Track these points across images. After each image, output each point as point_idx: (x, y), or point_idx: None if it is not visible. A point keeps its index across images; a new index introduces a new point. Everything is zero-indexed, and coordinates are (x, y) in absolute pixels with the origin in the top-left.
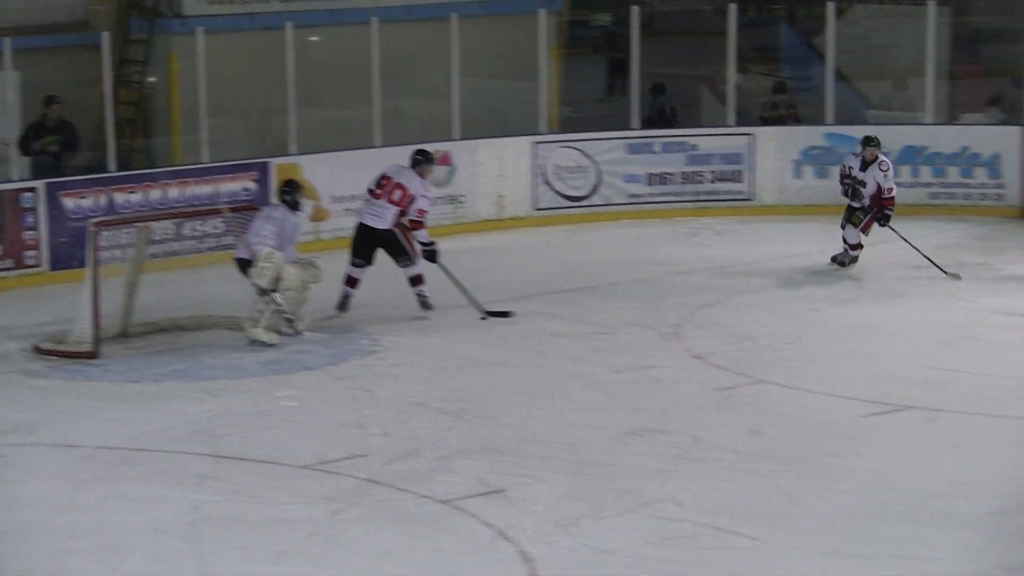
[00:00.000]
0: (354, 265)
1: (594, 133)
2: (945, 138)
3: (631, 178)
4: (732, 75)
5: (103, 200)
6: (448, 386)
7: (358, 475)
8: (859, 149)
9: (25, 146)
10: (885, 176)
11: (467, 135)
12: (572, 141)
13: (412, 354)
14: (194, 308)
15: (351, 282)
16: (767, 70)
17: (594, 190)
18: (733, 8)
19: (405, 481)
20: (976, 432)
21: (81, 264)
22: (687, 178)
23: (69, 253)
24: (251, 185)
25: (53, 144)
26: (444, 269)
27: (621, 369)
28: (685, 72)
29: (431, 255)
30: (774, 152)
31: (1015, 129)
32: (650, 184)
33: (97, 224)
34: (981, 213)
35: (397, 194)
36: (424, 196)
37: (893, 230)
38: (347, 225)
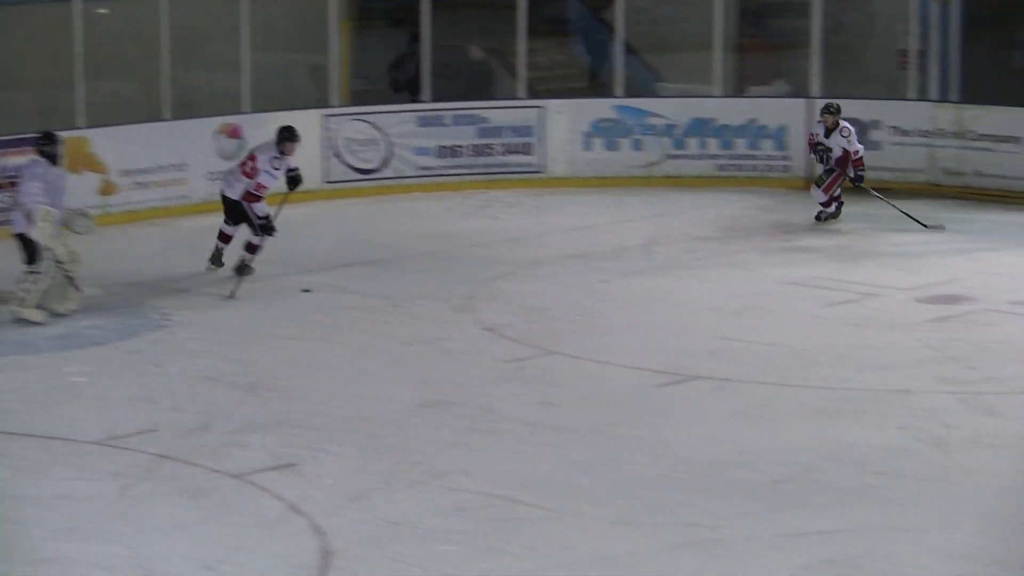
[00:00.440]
0: (226, 223)
1: (385, 106)
2: (733, 110)
3: (422, 151)
4: (522, 48)
5: None
6: (239, 360)
7: (149, 450)
8: (820, 118)
9: None
10: (848, 141)
11: (257, 108)
12: (363, 114)
13: (203, 328)
14: None
15: (223, 238)
16: (557, 43)
17: (385, 163)
18: None
19: (196, 456)
20: (762, 401)
21: None
22: (478, 151)
23: None
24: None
25: None
26: (261, 240)
27: (412, 342)
28: (476, 44)
29: (266, 229)
30: (564, 125)
31: (800, 102)
32: (441, 157)
33: None
34: (768, 184)
35: (249, 166)
36: (267, 172)
37: (868, 190)
38: (137, 199)
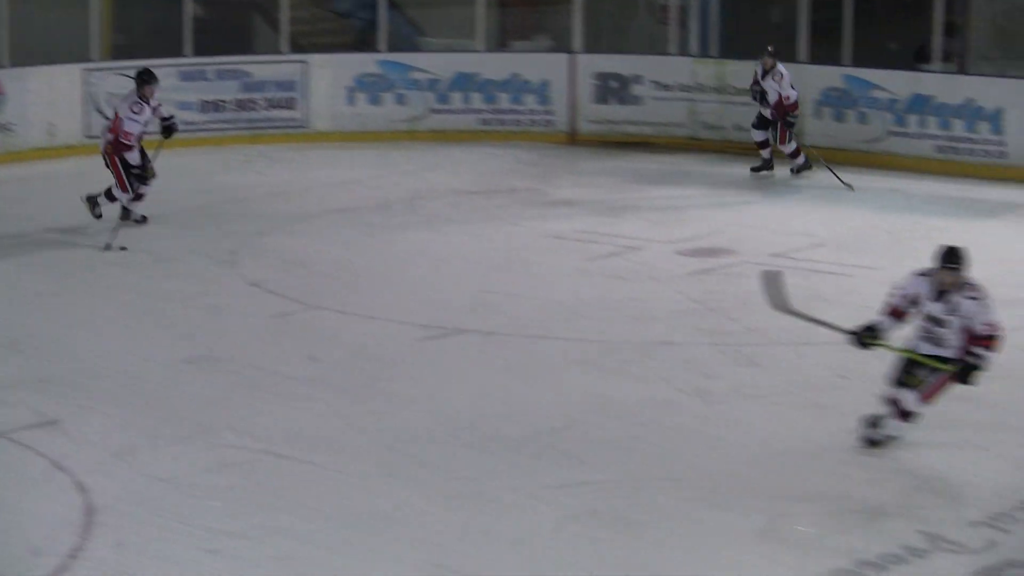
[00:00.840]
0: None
1: (147, 60)
2: (496, 65)
3: (184, 105)
4: (285, 2)
5: None
6: (0, 317)
7: None
8: (759, 61)
9: None
10: (780, 85)
11: (17, 63)
12: (124, 68)
13: None
14: None
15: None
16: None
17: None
18: None
19: None
20: (527, 354)
21: None
22: (241, 105)
23: None
24: None
25: None
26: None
27: (177, 298)
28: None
29: (142, 177)
30: (328, 80)
31: (563, 56)
32: (203, 111)
33: None
34: (531, 139)
35: (114, 118)
36: (129, 118)
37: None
38: None
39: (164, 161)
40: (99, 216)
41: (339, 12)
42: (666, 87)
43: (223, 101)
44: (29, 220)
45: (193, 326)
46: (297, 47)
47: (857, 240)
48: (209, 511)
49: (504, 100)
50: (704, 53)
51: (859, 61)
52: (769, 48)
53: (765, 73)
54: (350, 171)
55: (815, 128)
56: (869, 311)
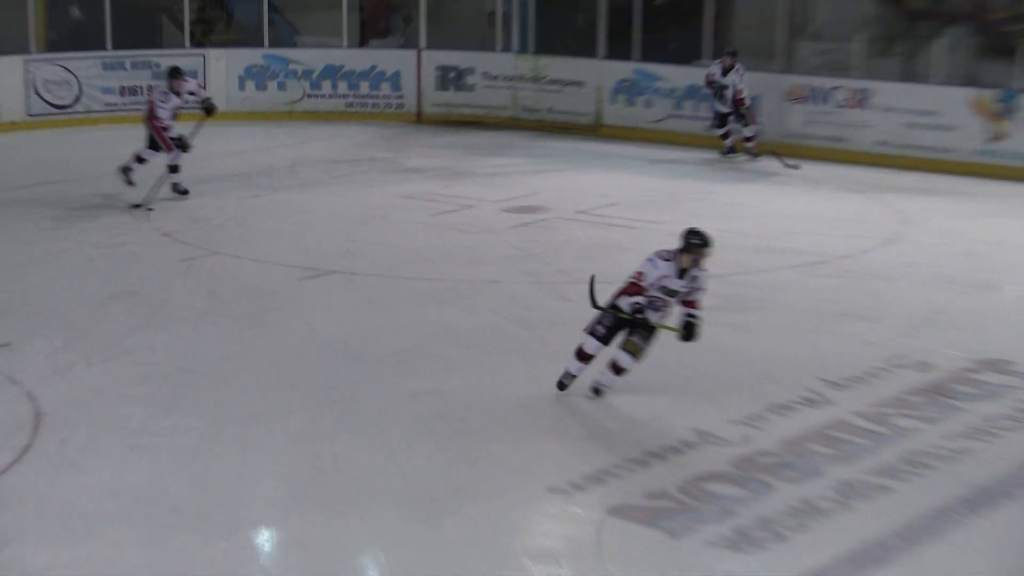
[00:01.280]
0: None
1: (76, 53)
2: (358, 59)
3: (107, 90)
4: (187, 5)
5: None
6: None
7: None
8: (717, 61)
9: None
10: (740, 79)
11: None
12: (58, 59)
13: None
14: None
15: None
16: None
17: (76, 100)
18: None
19: None
20: (385, 290)
21: None
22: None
23: None
24: None
25: None
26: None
27: (102, 245)
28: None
29: (181, 145)
30: (223, 69)
31: (412, 52)
32: (123, 95)
33: None
34: (386, 118)
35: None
36: (159, 105)
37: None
38: None
39: (91, 135)
40: (131, 183)
41: (230, 14)
42: (493, 77)
43: (138, 86)
44: None
45: (116, 268)
46: (197, 43)
47: (644, 200)
48: (133, 415)
49: (365, 87)
50: (523, 50)
51: (646, 57)
52: (728, 50)
53: (725, 71)
54: (240, 143)
55: (611, 111)
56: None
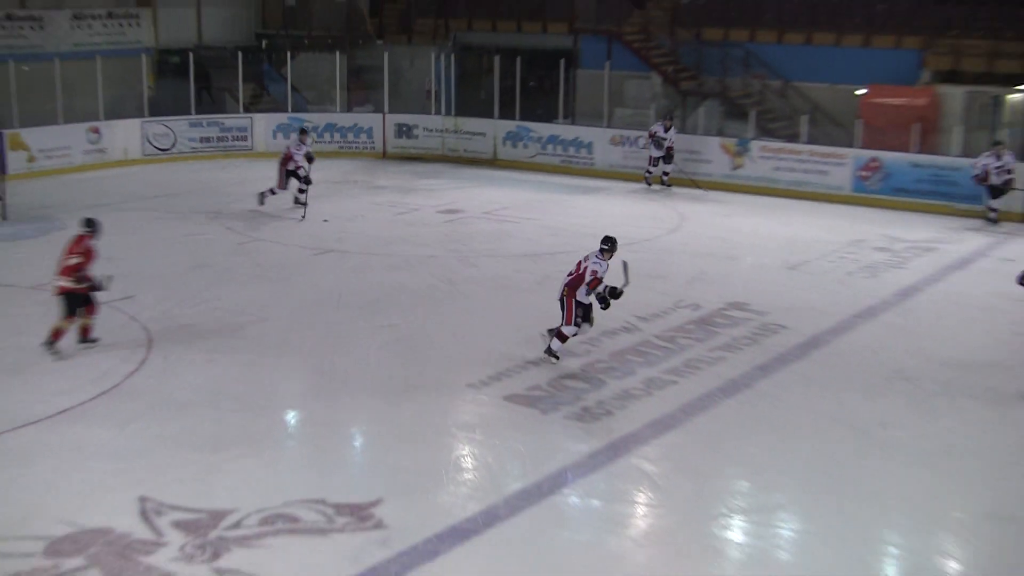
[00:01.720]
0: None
1: (172, 116)
2: (346, 118)
3: (192, 139)
4: (242, 88)
5: None
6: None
7: None
8: (659, 122)
9: None
10: (674, 135)
11: None
12: (161, 120)
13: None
14: None
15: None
16: (256, 87)
17: (173, 145)
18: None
19: None
20: (364, 263)
21: None
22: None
23: None
24: None
25: None
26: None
27: (188, 234)
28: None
29: (306, 181)
30: (264, 124)
31: (379, 115)
32: (202, 143)
33: None
34: (363, 156)
35: (287, 151)
36: (295, 152)
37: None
38: None
39: (188, 167)
40: (263, 204)
41: (267, 91)
42: (430, 130)
43: (211, 137)
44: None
45: (197, 248)
46: (246, 109)
47: (523, 205)
48: (208, 340)
49: (350, 136)
50: (448, 113)
51: (524, 117)
52: (670, 115)
53: (667, 130)
54: (273, 172)
55: (503, 151)
56: (532, 241)
